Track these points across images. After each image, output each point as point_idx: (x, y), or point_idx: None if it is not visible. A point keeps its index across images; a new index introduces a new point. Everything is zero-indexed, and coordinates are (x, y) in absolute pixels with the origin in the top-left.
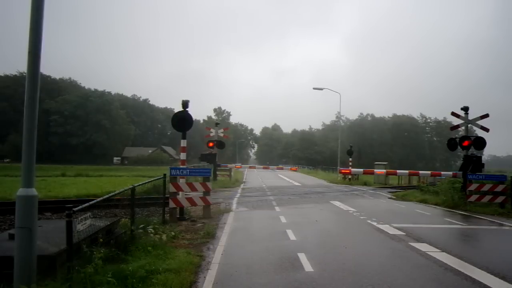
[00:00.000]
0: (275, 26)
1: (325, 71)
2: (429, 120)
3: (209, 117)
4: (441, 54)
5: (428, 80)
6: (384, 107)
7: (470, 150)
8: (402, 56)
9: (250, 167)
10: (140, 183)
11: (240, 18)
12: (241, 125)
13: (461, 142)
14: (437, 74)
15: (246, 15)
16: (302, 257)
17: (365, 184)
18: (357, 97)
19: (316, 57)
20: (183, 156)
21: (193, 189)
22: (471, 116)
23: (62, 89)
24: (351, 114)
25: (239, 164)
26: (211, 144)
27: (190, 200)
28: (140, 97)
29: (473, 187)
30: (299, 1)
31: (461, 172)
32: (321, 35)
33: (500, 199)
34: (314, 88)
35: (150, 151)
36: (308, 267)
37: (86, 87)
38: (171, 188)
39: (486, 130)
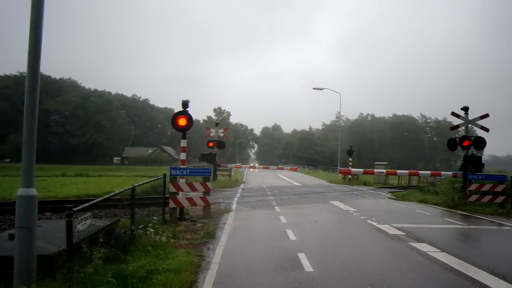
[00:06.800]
0: (269, 32)
1: (322, 74)
2: (429, 120)
3: (209, 117)
4: (446, 56)
5: (427, 81)
6: (382, 108)
7: (470, 150)
8: (399, 58)
9: (250, 167)
10: (140, 183)
11: (238, 24)
12: (241, 125)
13: (461, 142)
14: (434, 75)
15: (243, 21)
16: (302, 257)
17: (365, 184)
18: (354, 97)
19: (311, 61)
20: (183, 156)
21: (193, 189)
22: (471, 116)
23: (62, 89)
24: (351, 114)
25: (239, 164)
26: (211, 144)
27: (190, 200)
28: (140, 97)
29: (473, 187)
30: (294, 7)
31: (461, 172)
32: (315, 39)
33: (500, 199)
34: (314, 88)
35: (150, 151)
36: (308, 267)
37: (86, 87)
38: (171, 188)
39: (486, 130)
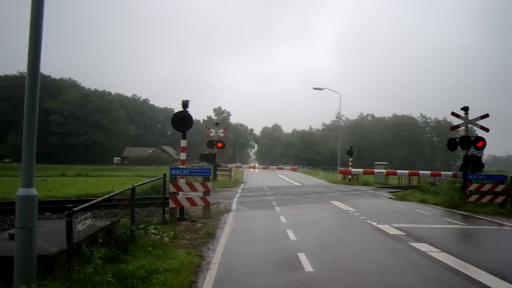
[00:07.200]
0: (268, 32)
1: (321, 74)
2: (429, 120)
3: (209, 117)
4: (446, 56)
5: (426, 81)
6: (382, 108)
7: (470, 150)
8: (399, 58)
9: (250, 167)
10: (140, 183)
11: (237, 24)
12: (241, 125)
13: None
14: (434, 75)
15: (243, 21)
16: (302, 257)
17: (365, 184)
18: (354, 97)
19: (311, 61)
20: (183, 156)
21: (193, 189)
22: (471, 116)
23: (62, 89)
24: (351, 114)
25: (239, 164)
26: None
27: (190, 200)
28: (140, 97)
29: (473, 187)
30: (293, 7)
31: (461, 172)
32: (315, 40)
33: (500, 199)
34: (314, 88)
35: (150, 151)
36: (308, 267)
37: (86, 87)
38: (171, 188)
39: (486, 130)
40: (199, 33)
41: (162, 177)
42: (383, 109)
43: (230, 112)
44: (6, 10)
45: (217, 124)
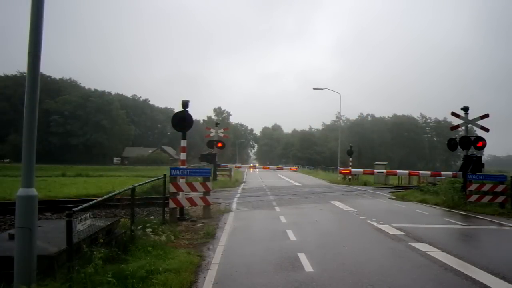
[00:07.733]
0: (268, 32)
1: (321, 74)
2: (429, 120)
3: (209, 117)
4: (446, 56)
5: (427, 81)
6: (382, 108)
7: (470, 150)
8: (399, 58)
9: (250, 167)
10: (140, 183)
11: (237, 24)
12: (241, 125)
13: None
14: (434, 75)
15: (242, 22)
16: (302, 257)
17: (365, 184)
18: (354, 97)
19: (311, 61)
20: (183, 156)
21: (193, 189)
22: (471, 116)
23: (62, 89)
24: (351, 114)
25: (239, 164)
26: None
27: (190, 200)
28: (140, 97)
29: (473, 187)
30: (293, 7)
31: (461, 172)
32: (314, 40)
33: (500, 199)
34: (314, 88)
35: (150, 151)
36: (308, 267)
37: (86, 87)
38: (171, 188)
39: (486, 130)
40: (199, 33)
41: (162, 177)
42: (383, 109)
43: (230, 112)
44: (6, 10)
45: (217, 124)
